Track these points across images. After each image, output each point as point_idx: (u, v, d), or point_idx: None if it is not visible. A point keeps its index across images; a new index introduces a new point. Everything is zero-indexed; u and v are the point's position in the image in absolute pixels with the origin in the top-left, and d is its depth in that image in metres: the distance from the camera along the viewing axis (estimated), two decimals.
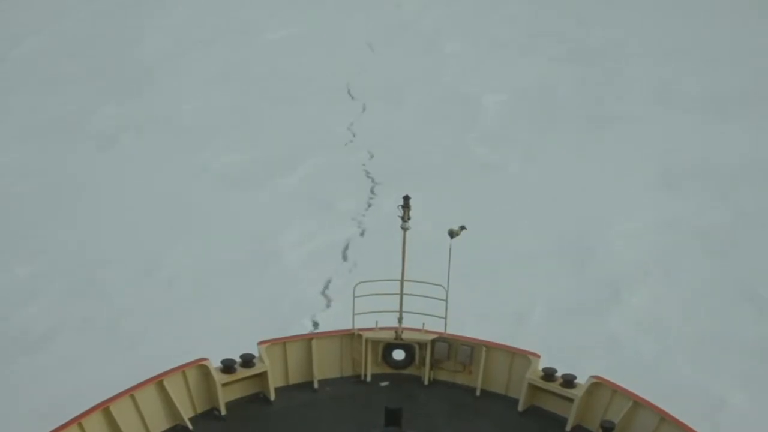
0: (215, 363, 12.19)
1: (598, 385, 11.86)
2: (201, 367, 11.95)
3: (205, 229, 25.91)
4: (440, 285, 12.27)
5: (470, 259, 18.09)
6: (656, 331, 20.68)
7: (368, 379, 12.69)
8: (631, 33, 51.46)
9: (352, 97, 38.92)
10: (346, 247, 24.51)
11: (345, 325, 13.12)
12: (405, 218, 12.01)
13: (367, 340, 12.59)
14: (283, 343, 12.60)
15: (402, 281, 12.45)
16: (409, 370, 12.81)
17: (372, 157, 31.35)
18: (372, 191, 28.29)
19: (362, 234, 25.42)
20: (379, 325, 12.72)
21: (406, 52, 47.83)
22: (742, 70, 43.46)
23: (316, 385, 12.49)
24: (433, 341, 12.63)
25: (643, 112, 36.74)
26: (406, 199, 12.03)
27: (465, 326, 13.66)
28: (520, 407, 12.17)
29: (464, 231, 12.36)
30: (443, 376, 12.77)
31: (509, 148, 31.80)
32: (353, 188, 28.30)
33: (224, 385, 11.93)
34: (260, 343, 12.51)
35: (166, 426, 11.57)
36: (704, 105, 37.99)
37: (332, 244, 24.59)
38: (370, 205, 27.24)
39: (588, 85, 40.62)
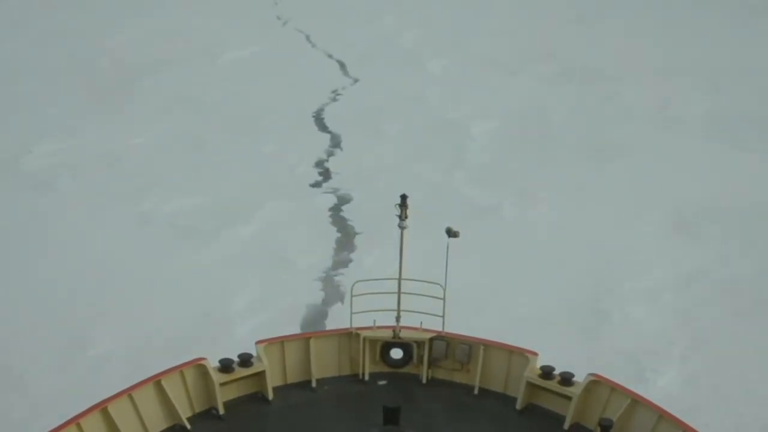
0: (213, 363, 12.12)
1: (596, 383, 11.80)
2: (199, 366, 11.89)
3: (143, 296, 21.93)
4: (438, 284, 12.23)
5: (463, 326, 14.57)
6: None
7: (366, 378, 12.68)
8: (624, 50, 48.64)
9: (322, 126, 35.25)
10: (306, 316, 20.60)
11: (343, 324, 13.06)
12: (402, 217, 12.07)
13: (365, 339, 12.59)
14: (281, 342, 12.56)
15: (399, 280, 12.41)
16: (407, 369, 12.80)
17: (342, 200, 27.67)
18: (340, 244, 24.46)
19: (322, 300, 21.45)
20: (377, 324, 12.75)
21: (385, 72, 44.44)
22: (745, 90, 40.69)
23: (314, 384, 12.48)
24: (431, 340, 12.65)
25: (646, 139, 33.57)
26: (404, 198, 12.08)
27: None
28: (519, 405, 12.12)
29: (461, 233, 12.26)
30: (441, 374, 12.74)
31: (502, 186, 28.28)
32: (318, 240, 24.45)
33: (222, 384, 11.90)
34: (258, 342, 12.47)
35: (165, 426, 11.49)
36: (711, 130, 34.95)
37: (290, 312, 20.70)
38: (337, 263, 23.34)
39: (583, 110, 37.42)
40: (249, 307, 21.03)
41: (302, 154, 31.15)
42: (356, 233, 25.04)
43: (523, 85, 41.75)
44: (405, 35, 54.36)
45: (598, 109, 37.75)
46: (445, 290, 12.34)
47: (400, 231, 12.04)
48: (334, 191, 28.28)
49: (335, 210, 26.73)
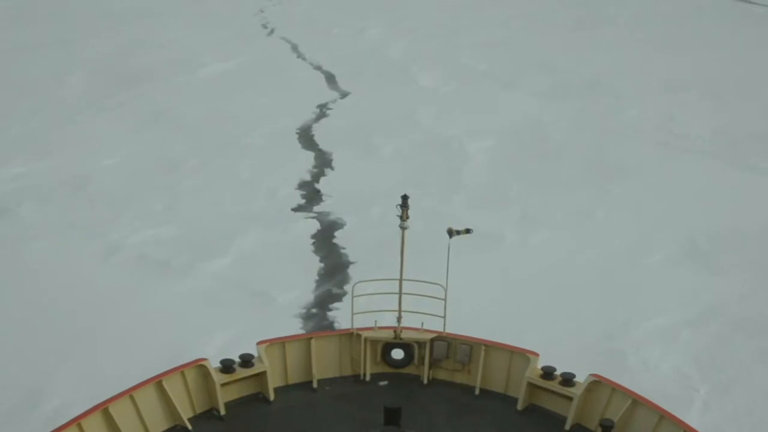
0: (214, 363, 12.17)
1: (597, 383, 11.87)
2: (200, 367, 11.94)
3: (107, 338, 20.04)
4: (439, 284, 12.31)
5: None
6: None
7: (367, 378, 12.77)
8: (623, 60, 47.43)
9: (308, 146, 33.50)
10: None
11: (344, 325, 13.09)
12: (403, 217, 12.19)
13: (366, 340, 12.69)
14: (282, 343, 12.63)
15: (401, 280, 12.52)
16: (408, 370, 12.89)
17: (331, 227, 25.83)
18: (327, 277, 22.53)
19: None
20: (378, 325, 12.86)
21: (374, 85, 42.88)
22: (753, 105, 39.43)
23: (315, 385, 12.56)
24: (432, 340, 12.73)
25: (651, 159, 32.12)
26: (405, 198, 12.22)
27: None
28: (519, 406, 12.17)
29: (469, 233, 12.57)
30: (442, 375, 12.82)
31: (503, 211, 26.62)
32: (300, 273, 22.49)
33: (223, 385, 11.94)
34: (259, 343, 12.55)
35: (166, 426, 11.53)
36: (719, 149, 33.57)
37: None
38: (323, 298, 21.47)
39: (583, 126, 35.97)
40: (223, 350, 19.15)
41: (286, 176, 29.34)
42: (350, 263, 23.22)
43: (518, 99, 40.30)
44: (394, 46, 52.91)
45: (598, 125, 36.30)
46: (446, 291, 12.38)
47: (401, 231, 12.12)
48: (322, 217, 26.49)
49: (322, 238, 24.90)
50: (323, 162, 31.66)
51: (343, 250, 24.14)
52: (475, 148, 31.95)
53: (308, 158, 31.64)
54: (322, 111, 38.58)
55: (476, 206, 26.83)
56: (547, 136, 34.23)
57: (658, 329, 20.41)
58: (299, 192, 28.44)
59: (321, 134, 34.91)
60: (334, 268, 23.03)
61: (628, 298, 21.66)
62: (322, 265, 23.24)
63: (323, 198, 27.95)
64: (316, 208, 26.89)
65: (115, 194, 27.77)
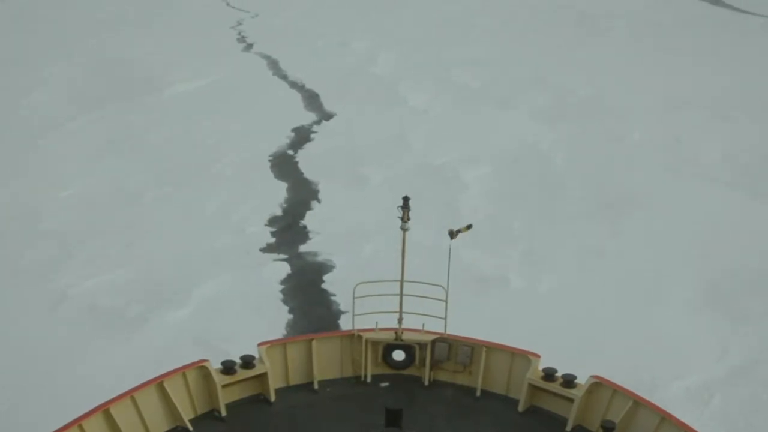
0: (215, 364, 12.23)
1: (598, 385, 11.97)
2: (201, 368, 12.03)
3: (51, 406, 17.46)
4: (440, 285, 12.50)
5: None
6: None
7: (368, 379, 12.89)
8: (624, 77, 45.76)
9: (286, 175, 31.08)
10: None
11: (345, 326, 13.18)
12: (404, 219, 12.40)
13: (367, 341, 12.83)
14: (283, 344, 12.80)
15: (402, 282, 12.69)
16: (409, 371, 13.00)
17: (306, 271, 23.30)
18: (298, 330, 19.85)
19: None
20: (379, 326, 13.00)
21: (361, 106, 40.72)
22: (763, 125, 37.80)
23: (316, 386, 12.68)
24: (433, 342, 12.87)
25: (660, 188, 30.13)
26: (406, 199, 12.43)
27: None
28: (521, 407, 12.27)
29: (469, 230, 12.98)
30: (443, 376, 12.94)
31: (506, 248, 24.44)
32: (265, 327, 19.56)
33: (224, 386, 12.00)
34: (260, 344, 12.70)
35: (167, 427, 11.58)
36: (733, 175, 31.67)
37: None
38: None
39: (585, 151, 33.97)
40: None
41: (258, 209, 26.88)
42: (342, 312, 20.82)
43: (514, 119, 38.35)
44: (381, 60, 50.84)
45: (601, 149, 34.34)
46: (447, 292, 12.50)
47: (402, 233, 12.26)
48: (296, 260, 24.07)
49: (295, 283, 22.42)
50: (304, 193, 29.28)
51: (337, 296, 21.59)
52: (471, 177, 29.81)
53: (282, 189, 29.16)
54: (304, 135, 36.27)
55: (475, 243, 24.57)
56: (548, 162, 32.21)
57: (687, 391, 18.28)
58: (269, 228, 25.90)
59: (304, 161, 32.57)
60: (319, 319, 20.63)
61: (650, 353, 19.50)
62: (291, 317, 20.78)
63: (299, 235, 25.51)
64: (289, 247, 24.38)
65: (68, 232, 25.29)
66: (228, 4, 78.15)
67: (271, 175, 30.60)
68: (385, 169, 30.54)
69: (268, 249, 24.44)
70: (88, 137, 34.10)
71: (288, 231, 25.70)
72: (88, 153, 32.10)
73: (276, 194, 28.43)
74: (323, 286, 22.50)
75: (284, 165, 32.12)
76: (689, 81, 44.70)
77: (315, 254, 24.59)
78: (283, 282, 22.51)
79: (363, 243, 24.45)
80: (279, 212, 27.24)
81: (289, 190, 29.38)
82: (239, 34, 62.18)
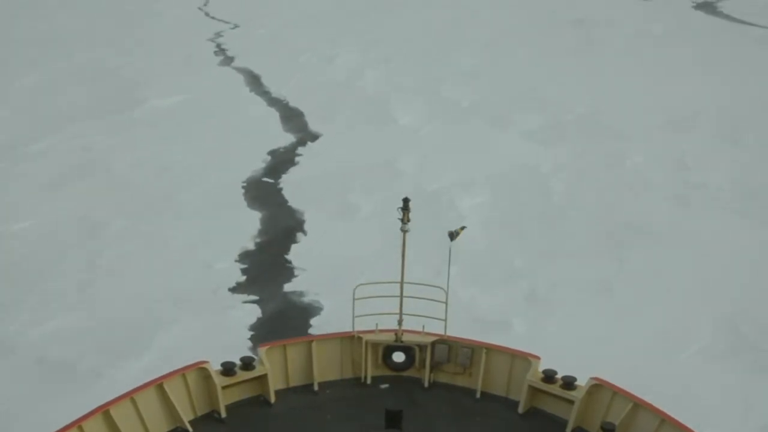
0: (215, 366, 12.35)
1: (598, 386, 12.10)
2: (201, 369, 12.15)
3: None
4: (440, 287, 12.66)
5: None
6: None
7: (368, 381, 13.03)
8: (619, 93, 44.26)
9: (262, 204, 29.00)
10: None
11: (345, 327, 13.27)
12: (404, 220, 12.54)
13: (367, 343, 12.96)
14: (283, 345, 12.87)
15: (402, 283, 12.83)
16: (409, 373, 13.14)
17: (282, 318, 21.25)
18: None
19: None
20: (379, 328, 13.13)
21: (349, 126, 38.85)
22: None
23: (316, 388, 12.79)
24: (433, 343, 12.99)
25: (668, 216, 28.37)
26: (406, 201, 12.58)
27: None
28: (521, 409, 12.38)
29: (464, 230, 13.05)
30: (443, 378, 13.07)
31: (507, 287, 22.56)
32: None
33: (224, 387, 12.14)
34: (260, 345, 12.95)
35: (166, 428, 11.69)
36: (745, 203, 29.98)
37: None
38: None
39: (586, 177, 32.20)
40: None
41: (230, 243, 24.81)
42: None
43: (510, 140, 36.62)
44: (369, 75, 49.07)
45: (603, 174, 32.61)
46: (447, 294, 12.62)
47: (402, 234, 12.39)
48: (272, 302, 21.96)
49: (274, 327, 20.33)
50: (284, 223, 27.25)
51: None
52: (467, 206, 27.94)
53: (256, 220, 27.09)
54: (285, 158, 34.25)
55: (474, 280, 22.76)
56: (548, 189, 30.41)
57: None
58: (239, 265, 23.80)
59: (285, 187, 30.55)
60: None
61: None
62: None
63: (275, 272, 23.43)
64: (262, 287, 22.28)
65: (20, 271, 23.17)
66: (207, 15, 76.32)
67: (245, 203, 28.54)
68: (375, 195, 28.63)
69: (238, 289, 22.37)
70: (49, 161, 31.94)
71: (260, 267, 23.61)
72: (49, 179, 29.95)
73: (249, 225, 26.36)
74: (310, 330, 20.45)
75: (262, 192, 30.05)
76: (690, 96, 43.24)
77: (298, 294, 22.58)
78: (253, 328, 20.46)
79: (354, 280, 22.40)
80: (251, 246, 25.19)
81: (264, 220, 27.32)
82: (218, 46, 60.22)
